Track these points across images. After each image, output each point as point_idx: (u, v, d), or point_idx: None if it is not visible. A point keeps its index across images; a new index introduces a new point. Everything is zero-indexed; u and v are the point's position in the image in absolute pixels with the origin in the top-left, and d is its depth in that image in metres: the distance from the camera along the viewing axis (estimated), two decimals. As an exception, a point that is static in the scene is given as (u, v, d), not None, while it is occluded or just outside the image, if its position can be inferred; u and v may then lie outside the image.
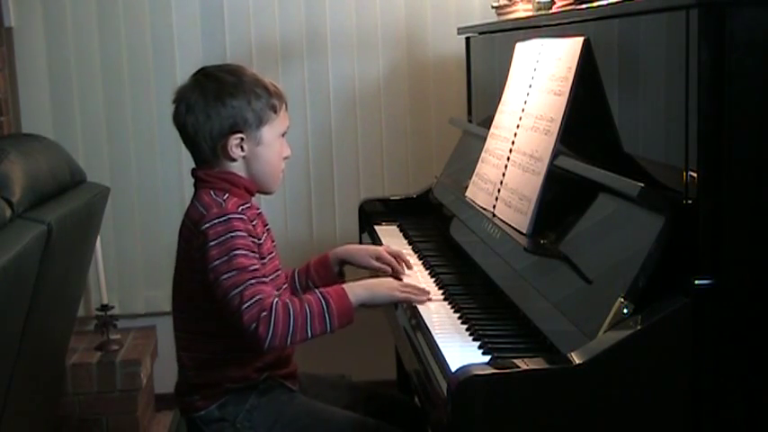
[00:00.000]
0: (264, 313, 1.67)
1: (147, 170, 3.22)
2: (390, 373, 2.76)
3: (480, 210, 2.05)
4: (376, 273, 2.06)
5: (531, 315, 1.63)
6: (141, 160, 3.21)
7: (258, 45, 3.20)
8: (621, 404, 1.35)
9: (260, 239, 1.81)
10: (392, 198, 2.80)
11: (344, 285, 1.82)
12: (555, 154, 1.76)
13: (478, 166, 2.16)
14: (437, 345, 1.62)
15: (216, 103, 1.78)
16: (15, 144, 2.23)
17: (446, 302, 1.88)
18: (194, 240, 1.77)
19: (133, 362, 3.02)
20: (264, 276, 1.76)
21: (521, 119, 1.96)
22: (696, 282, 1.34)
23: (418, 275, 2.08)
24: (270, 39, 3.20)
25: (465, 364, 1.36)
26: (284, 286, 1.93)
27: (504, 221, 1.89)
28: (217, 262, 1.72)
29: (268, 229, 1.90)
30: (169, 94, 1.87)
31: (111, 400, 3.01)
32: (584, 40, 1.76)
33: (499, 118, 2.11)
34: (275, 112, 1.83)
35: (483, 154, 2.15)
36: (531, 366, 1.34)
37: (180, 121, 1.82)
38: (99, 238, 2.81)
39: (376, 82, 3.25)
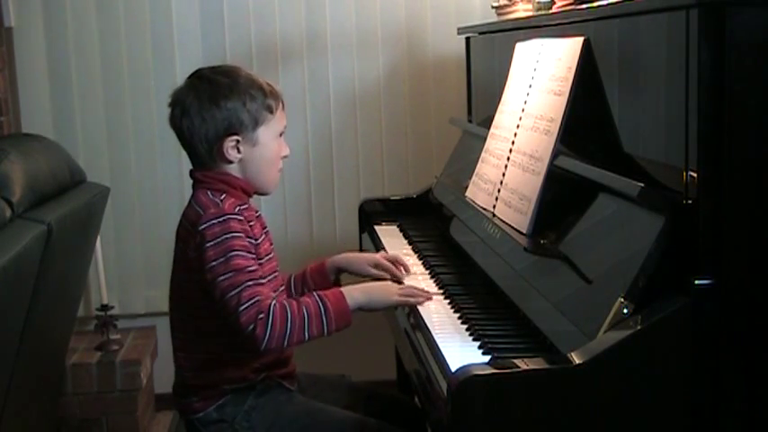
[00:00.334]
0: (262, 315, 1.67)
1: (147, 170, 3.22)
2: (390, 373, 2.76)
3: (480, 210, 2.05)
4: (375, 280, 2.05)
5: (531, 315, 1.63)
6: (141, 160, 3.21)
7: (258, 45, 3.20)
8: (621, 404, 1.35)
9: (257, 240, 1.81)
10: (392, 198, 2.80)
11: (343, 288, 1.82)
12: (555, 154, 1.76)
13: (478, 166, 2.16)
14: (437, 345, 1.62)
15: (210, 106, 1.78)
16: (15, 144, 2.23)
17: (446, 302, 1.88)
18: (191, 241, 1.77)
19: (133, 362, 3.02)
20: (262, 277, 1.76)
21: (521, 119, 1.96)
22: (696, 282, 1.34)
23: (418, 276, 2.08)
24: (270, 39, 3.20)
25: (465, 364, 1.37)
26: (281, 288, 1.93)
27: (504, 221, 1.89)
28: (214, 263, 1.72)
29: (266, 231, 1.89)
30: (169, 94, 1.87)
31: (111, 400, 3.01)
32: (584, 40, 1.76)
33: (499, 118, 2.11)
34: (271, 112, 1.83)
35: (483, 154, 2.15)
36: (531, 366, 1.34)
37: (176, 125, 1.83)
38: (99, 238, 2.81)
39: (376, 82, 3.25)
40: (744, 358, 1.37)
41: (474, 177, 2.17)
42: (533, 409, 1.33)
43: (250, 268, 1.73)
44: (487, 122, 2.23)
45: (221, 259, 1.72)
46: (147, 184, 3.22)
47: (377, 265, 2.04)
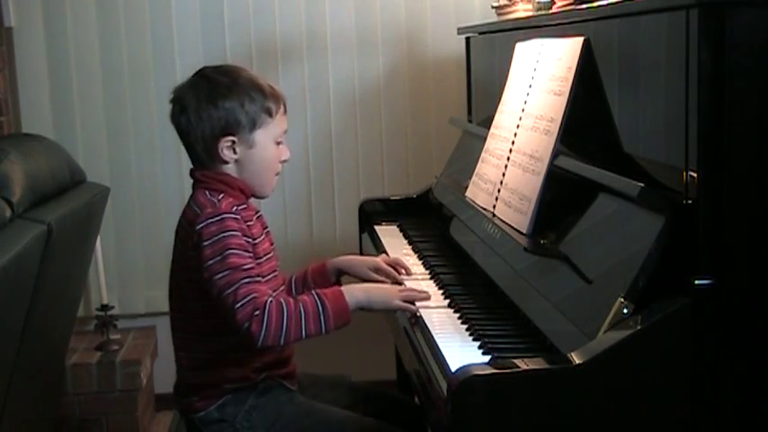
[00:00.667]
0: (258, 312, 1.67)
1: (147, 170, 3.22)
2: (390, 373, 2.76)
3: (480, 210, 2.05)
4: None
5: (531, 315, 1.63)
6: (141, 160, 3.21)
7: (258, 45, 3.20)
8: (621, 404, 1.35)
9: (255, 240, 1.81)
10: (392, 198, 2.80)
11: (343, 287, 1.82)
12: (555, 154, 1.76)
13: (478, 166, 2.16)
14: (437, 345, 1.62)
15: (208, 105, 1.78)
16: (15, 144, 2.23)
17: (446, 302, 1.88)
18: (189, 240, 1.77)
19: (133, 362, 3.02)
20: (260, 276, 1.76)
21: (521, 119, 1.96)
22: (696, 282, 1.34)
23: (418, 276, 2.08)
24: (270, 39, 3.20)
25: (465, 364, 1.37)
26: (281, 288, 1.93)
27: (504, 221, 1.89)
28: (211, 261, 1.72)
29: (267, 232, 1.89)
30: (169, 94, 1.87)
31: (111, 400, 3.01)
32: (584, 40, 1.76)
33: (499, 118, 2.11)
34: (270, 115, 1.81)
35: (483, 154, 2.15)
36: (531, 366, 1.34)
37: (175, 121, 1.83)
38: (99, 238, 2.81)
39: (376, 82, 3.25)
40: (744, 358, 1.37)
41: (474, 177, 2.17)
42: (533, 409, 1.33)
43: (246, 266, 1.72)
44: (487, 122, 2.23)
45: (218, 257, 1.71)
46: (147, 184, 3.22)
47: (377, 270, 2.03)
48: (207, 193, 1.80)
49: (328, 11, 3.20)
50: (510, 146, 1.98)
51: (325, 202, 3.29)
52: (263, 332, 1.67)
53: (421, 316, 1.79)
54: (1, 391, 1.92)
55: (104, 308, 3.09)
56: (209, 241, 1.72)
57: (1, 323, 1.85)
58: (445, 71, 3.24)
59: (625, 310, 1.36)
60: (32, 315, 2.02)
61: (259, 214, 1.89)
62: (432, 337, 1.67)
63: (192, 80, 1.83)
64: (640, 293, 1.36)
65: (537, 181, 1.78)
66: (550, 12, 2.14)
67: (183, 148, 1.88)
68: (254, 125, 1.80)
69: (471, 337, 1.66)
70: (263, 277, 1.79)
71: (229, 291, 1.69)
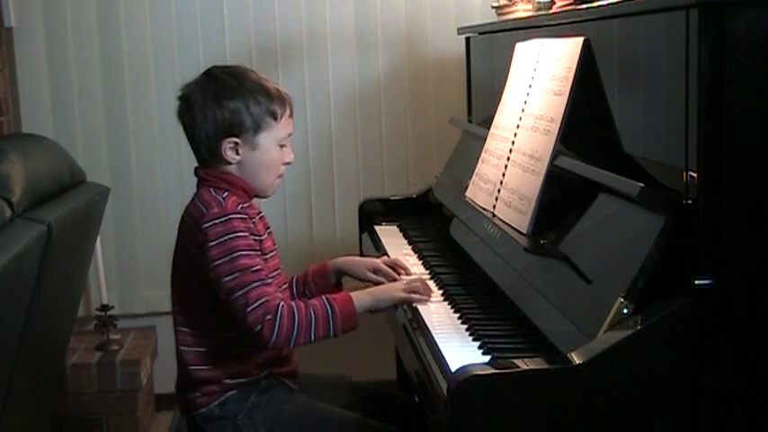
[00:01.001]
0: (269, 316, 1.70)
1: (147, 170, 3.22)
2: (390, 373, 2.76)
3: (480, 210, 2.05)
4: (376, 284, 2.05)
5: (531, 315, 1.63)
6: (141, 160, 3.21)
7: (258, 45, 3.20)
8: (621, 404, 1.35)
9: (261, 236, 1.82)
10: (392, 198, 2.80)
11: (352, 293, 1.84)
12: (555, 154, 1.76)
13: (478, 166, 2.16)
14: (437, 345, 1.62)
15: (213, 105, 1.78)
16: (15, 144, 2.22)
17: (446, 302, 1.88)
18: (194, 238, 1.78)
19: (133, 362, 3.02)
20: (268, 277, 1.77)
21: (521, 119, 1.96)
22: (696, 282, 1.34)
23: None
24: (270, 39, 3.20)
25: (465, 364, 1.37)
26: (284, 286, 1.94)
27: (504, 221, 1.89)
28: (218, 261, 1.73)
29: (270, 231, 1.91)
30: (169, 94, 1.88)
31: (111, 400, 3.01)
32: (584, 40, 1.76)
33: (499, 118, 2.11)
34: (275, 118, 1.82)
35: (483, 154, 2.15)
36: (531, 366, 1.34)
37: (181, 119, 1.84)
38: (99, 238, 2.81)
39: (376, 82, 3.25)
40: (744, 358, 1.37)
41: (474, 177, 2.17)
42: (533, 409, 1.33)
43: (256, 267, 1.74)
44: (487, 122, 2.23)
45: (226, 258, 1.73)
46: (147, 184, 3.22)
47: (377, 271, 2.04)
48: (212, 190, 1.81)
49: (328, 11, 3.20)
50: (510, 146, 1.98)
51: (325, 202, 3.29)
52: (274, 335, 1.71)
53: (421, 316, 1.79)
54: (1, 391, 1.92)
55: (104, 308, 3.09)
56: (216, 242, 1.73)
57: (1, 323, 1.85)
58: (445, 71, 3.24)
59: (625, 310, 1.36)
60: (32, 315, 2.02)
61: (261, 214, 1.90)
62: (432, 337, 1.67)
63: (200, 79, 1.84)
64: (640, 293, 1.36)
65: (537, 181, 1.78)
66: (550, 12, 2.14)
67: (183, 148, 1.89)
68: (258, 128, 1.80)
69: (471, 337, 1.66)
70: (270, 274, 1.81)
71: (240, 293, 1.71)
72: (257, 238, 1.80)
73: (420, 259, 2.22)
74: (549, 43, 1.92)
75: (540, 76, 1.91)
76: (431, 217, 2.60)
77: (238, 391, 1.83)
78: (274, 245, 1.91)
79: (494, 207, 1.98)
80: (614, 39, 1.69)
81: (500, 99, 2.13)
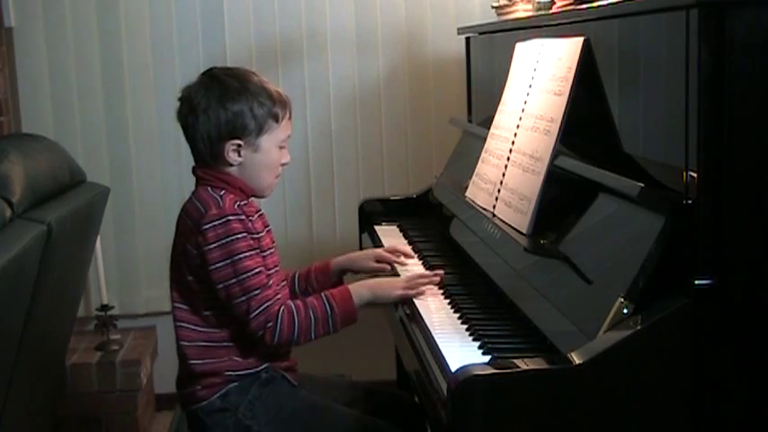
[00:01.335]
0: (270, 323, 1.76)
1: (147, 170, 3.22)
2: (390, 373, 2.76)
3: (480, 210, 2.05)
4: (377, 274, 2.09)
5: (531, 315, 1.63)
6: (141, 160, 3.21)
7: (258, 45, 3.20)
8: (621, 404, 1.35)
9: (258, 234, 1.83)
10: (392, 198, 2.80)
11: (350, 286, 1.88)
12: (555, 154, 1.76)
13: (478, 166, 2.16)
14: (437, 345, 1.62)
15: (217, 107, 1.79)
16: (15, 144, 2.22)
17: (446, 302, 1.88)
18: (192, 238, 1.79)
19: (133, 362, 3.02)
20: (268, 276, 1.80)
21: (521, 119, 1.96)
22: (696, 282, 1.34)
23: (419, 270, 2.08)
24: (270, 39, 3.20)
25: (465, 364, 1.37)
26: (283, 283, 1.94)
27: (504, 221, 1.89)
28: (219, 264, 1.75)
29: (268, 229, 1.92)
30: (169, 94, 1.88)
31: (111, 400, 3.01)
32: (584, 40, 1.76)
33: (499, 118, 2.11)
34: (277, 121, 1.83)
35: (483, 154, 2.15)
36: (531, 366, 1.34)
37: (182, 120, 1.84)
38: (99, 238, 2.81)
39: (376, 82, 3.25)
40: (744, 358, 1.37)
41: (474, 177, 2.17)
42: (533, 409, 1.33)
43: (257, 269, 1.77)
44: (487, 122, 2.23)
45: (227, 261, 1.75)
46: (147, 184, 3.22)
47: (378, 259, 2.09)
48: (209, 189, 1.82)
49: (328, 11, 3.20)
50: (510, 146, 1.98)
51: (325, 202, 3.29)
52: (275, 340, 1.77)
53: (421, 316, 1.79)
54: (1, 391, 1.92)
55: (104, 308, 3.09)
56: (216, 244, 1.75)
57: (1, 323, 1.85)
58: (445, 71, 3.24)
59: (625, 310, 1.36)
60: (32, 315, 2.02)
61: (260, 212, 1.91)
62: (432, 337, 1.67)
63: (202, 80, 1.84)
64: (640, 293, 1.36)
65: (537, 181, 1.78)
66: (550, 12, 2.14)
67: (183, 148, 1.89)
68: (260, 130, 1.82)
69: (471, 337, 1.66)
70: (269, 271, 1.82)
71: (242, 299, 1.76)
72: (255, 236, 1.81)
73: (420, 259, 2.22)
74: (549, 43, 1.92)
75: (540, 76, 1.91)
76: (431, 217, 2.60)
77: (239, 384, 1.83)
78: (273, 242, 1.92)
79: (494, 207, 1.98)
80: (614, 39, 1.69)
81: (500, 99, 2.13)
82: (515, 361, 1.36)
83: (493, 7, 2.77)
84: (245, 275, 1.75)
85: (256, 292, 1.75)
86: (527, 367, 1.34)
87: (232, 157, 1.81)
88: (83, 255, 2.49)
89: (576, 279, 1.53)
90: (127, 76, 3.17)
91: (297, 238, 3.28)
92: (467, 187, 2.20)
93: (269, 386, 1.85)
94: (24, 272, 1.91)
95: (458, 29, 2.90)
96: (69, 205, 2.21)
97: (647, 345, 1.33)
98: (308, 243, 3.28)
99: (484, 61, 2.65)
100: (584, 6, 1.85)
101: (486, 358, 1.54)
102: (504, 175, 1.97)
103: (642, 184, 1.46)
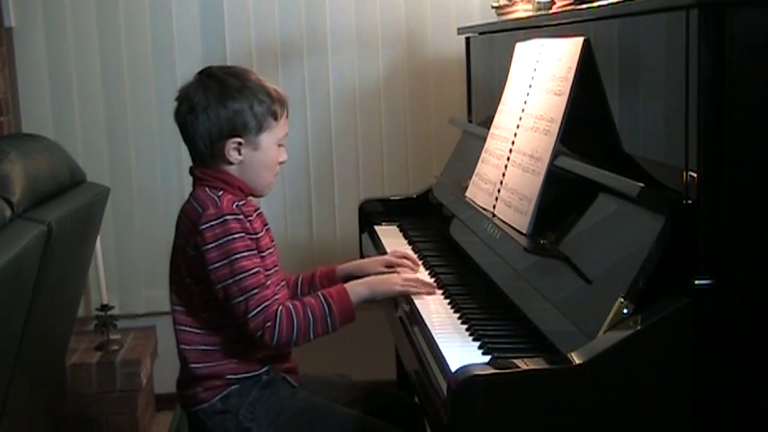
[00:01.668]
0: (269, 323, 1.74)
1: (147, 170, 3.22)
2: (390, 373, 2.76)
3: (480, 210, 2.05)
4: None
5: (531, 315, 1.63)
6: (141, 160, 3.21)
7: (258, 45, 3.20)
8: (621, 404, 1.35)
9: (257, 234, 1.83)
10: (392, 198, 2.80)
11: (347, 285, 1.87)
12: (555, 154, 1.76)
13: (478, 166, 2.16)
14: (437, 345, 1.62)
15: (217, 106, 1.79)
16: (15, 144, 2.23)
17: (446, 302, 1.88)
18: (191, 239, 1.79)
19: (133, 362, 3.02)
20: (266, 276, 1.79)
21: (521, 119, 1.96)
22: (696, 282, 1.34)
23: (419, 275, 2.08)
24: (270, 39, 3.20)
25: (465, 364, 1.37)
26: (282, 283, 1.94)
27: (504, 221, 1.89)
28: (217, 264, 1.74)
29: (267, 228, 1.91)
30: (169, 93, 1.87)
31: (111, 400, 3.01)
32: (584, 40, 1.76)
33: (499, 118, 2.11)
34: (276, 118, 1.84)
35: (483, 154, 2.15)
36: (531, 366, 1.34)
37: (180, 119, 1.84)
38: (99, 238, 2.81)
39: (376, 82, 3.25)
40: (744, 358, 1.37)
41: (474, 177, 2.17)
42: (533, 409, 1.33)
43: (254, 270, 1.76)
44: (487, 122, 2.23)
45: (224, 261, 1.74)
46: (147, 184, 3.22)
47: (389, 266, 2.07)
48: (207, 189, 1.82)
49: (328, 11, 3.20)
50: (510, 146, 1.98)
51: (325, 202, 3.29)
52: (274, 340, 1.76)
53: (421, 316, 1.79)
54: (1, 391, 1.92)
55: (104, 308, 3.09)
56: (214, 244, 1.75)
57: (1, 323, 1.85)
58: (445, 71, 3.24)
59: (625, 310, 1.36)
60: (32, 315, 2.02)
61: (259, 211, 1.91)
62: (432, 337, 1.67)
63: (199, 79, 1.84)
64: (640, 293, 1.36)
65: (537, 181, 1.78)
66: (550, 12, 2.14)
67: (183, 148, 1.88)
68: (260, 128, 1.82)
69: (471, 337, 1.66)
70: (268, 271, 1.82)
71: (240, 299, 1.75)
72: (253, 236, 1.81)
73: (420, 259, 2.22)
74: (549, 43, 1.92)
75: (540, 76, 1.91)
76: (431, 217, 2.60)
77: (240, 386, 1.83)
78: (272, 241, 1.92)
79: (494, 207, 1.98)
80: (614, 39, 1.69)
81: (500, 99, 2.13)
82: (515, 361, 1.36)
83: (493, 7, 2.77)
84: (242, 275, 1.74)
85: (254, 291, 1.75)
86: (527, 367, 1.34)
87: (233, 155, 1.81)
88: (83, 255, 2.49)
89: (576, 279, 1.53)
90: (127, 76, 3.17)
91: (297, 237, 3.28)
92: (467, 187, 2.20)
93: (270, 388, 1.85)
94: (24, 272, 1.91)
95: (458, 29, 2.90)
96: (69, 205, 2.21)
97: (647, 345, 1.33)
98: (308, 243, 3.28)
99: (484, 61, 2.65)
100: (584, 6, 1.85)
101: (486, 358, 1.54)
102: (504, 175, 1.97)
103: (642, 184, 1.46)
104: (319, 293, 1.83)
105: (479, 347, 1.60)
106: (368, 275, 2.04)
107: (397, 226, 2.62)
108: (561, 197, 1.76)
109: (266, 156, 1.84)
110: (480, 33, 2.70)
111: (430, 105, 3.26)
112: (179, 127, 1.85)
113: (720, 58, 1.33)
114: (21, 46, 3.12)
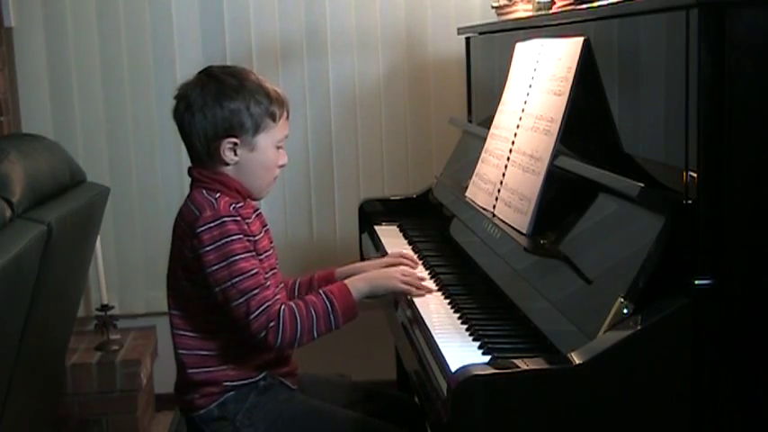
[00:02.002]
0: (272, 323, 1.72)
1: (147, 170, 3.22)
2: (390, 373, 2.76)
3: (480, 210, 2.05)
4: None
5: (531, 315, 1.63)
6: (141, 160, 3.21)
7: (258, 45, 3.20)
8: (621, 404, 1.35)
9: (255, 237, 1.82)
10: (392, 198, 2.80)
11: (347, 281, 1.86)
12: (555, 154, 1.76)
13: (478, 166, 2.16)
14: (437, 345, 1.62)
15: (214, 105, 1.78)
16: (15, 144, 2.23)
17: (446, 302, 1.88)
18: (188, 241, 1.77)
19: (133, 362, 3.02)
20: (266, 278, 1.78)
21: (521, 119, 1.96)
22: (696, 282, 1.34)
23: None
24: (270, 39, 3.20)
25: (465, 364, 1.36)
26: (280, 285, 1.93)
27: (504, 221, 1.89)
28: (215, 267, 1.73)
29: (266, 229, 1.90)
30: (169, 93, 1.87)
31: (111, 400, 3.01)
32: (584, 40, 1.76)
33: (499, 118, 2.11)
34: (274, 120, 1.82)
35: (483, 154, 2.15)
36: (531, 366, 1.34)
37: (178, 118, 1.83)
38: (99, 238, 2.81)
39: (376, 82, 3.25)
40: (744, 358, 1.37)
41: (474, 177, 2.17)
42: (533, 409, 1.33)
43: (253, 271, 1.74)
44: (487, 122, 2.23)
45: (222, 263, 1.73)
46: (147, 184, 3.22)
47: (387, 266, 2.03)
48: (204, 191, 1.81)
49: (328, 11, 3.20)
50: (510, 146, 1.98)
51: (325, 202, 3.29)
52: (278, 340, 1.73)
53: (421, 316, 1.79)
54: (1, 391, 1.92)
55: (104, 308, 3.09)
56: (211, 247, 1.73)
57: (1, 323, 1.85)
58: (445, 71, 3.24)
59: (625, 310, 1.36)
60: (32, 315, 2.02)
61: (258, 212, 1.90)
62: (432, 337, 1.67)
63: (198, 78, 1.83)
64: (640, 293, 1.36)
65: (537, 181, 1.78)
66: (550, 12, 2.14)
67: (183, 148, 1.88)
68: (257, 129, 1.80)
69: (471, 337, 1.66)
70: (266, 274, 1.81)
71: (240, 300, 1.72)
72: (251, 238, 1.80)
73: (420, 259, 2.22)
74: (549, 43, 1.92)
75: (540, 76, 1.91)
76: (431, 217, 2.60)
77: (237, 392, 1.83)
78: (271, 242, 1.91)
79: (494, 207, 1.98)
80: (614, 39, 1.69)
81: (500, 99, 2.13)
82: (515, 361, 1.36)
83: (493, 7, 2.77)
84: (241, 277, 1.72)
85: (254, 292, 1.73)
86: (527, 367, 1.34)
87: (228, 155, 1.80)
88: (83, 255, 2.49)
89: (576, 279, 1.53)
90: (127, 76, 3.17)
91: (297, 238, 3.28)
92: (467, 187, 2.20)
93: (267, 393, 1.84)
94: (24, 272, 1.91)
95: (458, 29, 2.90)
96: (69, 205, 2.21)
97: (647, 345, 1.33)
98: (308, 243, 3.28)
99: (484, 61, 2.65)
100: (584, 6, 1.85)
101: (486, 358, 1.54)
102: (504, 175, 1.97)
103: (642, 184, 1.46)
104: (320, 291, 1.81)
105: (479, 347, 1.60)
106: None
107: (397, 226, 2.62)
108: (561, 197, 1.76)
109: (263, 157, 1.83)
110: (480, 33, 2.70)
111: (430, 105, 3.26)
112: (177, 125, 1.84)
113: (720, 58, 1.33)
114: (21, 46, 3.12)
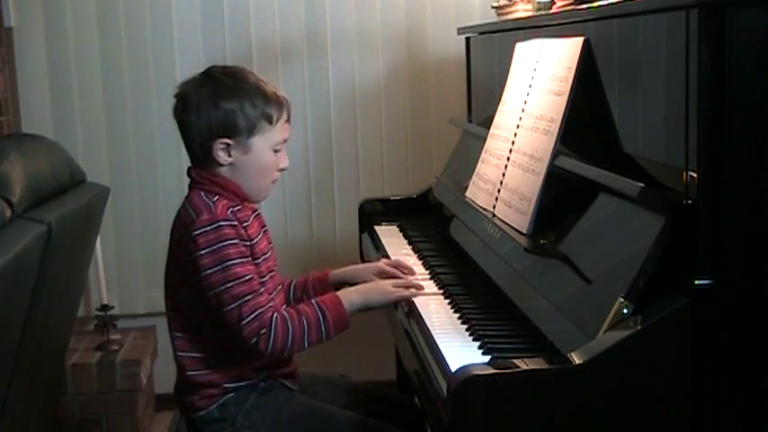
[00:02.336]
0: (264, 330, 1.72)
1: (147, 170, 3.22)
2: (390, 373, 2.76)
3: (480, 210, 2.05)
4: None
5: (531, 315, 1.63)
6: (141, 160, 3.21)
7: (258, 45, 3.20)
8: (621, 404, 1.35)
9: (252, 240, 1.81)
10: (392, 198, 2.80)
11: (340, 293, 1.85)
12: (555, 154, 1.76)
13: (478, 166, 2.16)
14: (437, 345, 1.62)
15: (208, 105, 1.77)
16: (15, 144, 2.23)
17: (446, 302, 1.88)
18: (184, 244, 1.77)
19: (133, 362, 3.02)
20: (261, 282, 1.77)
21: (521, 119, 1.96)
22: (696, 282, 1.34)
23: (418, 276, 2.08)
24: (270, 39, 3.20)
25: (465, 364, 1.37)
26: (278, 288, 1.93)
27: (504, 221, 1.89)
28: (210, 270, 1.73)
29: (265, 231, 1.90)
30: (169, 94, 1.87)
31: (111, 400, 3.01)
32: (584, 40, 1.76)
33: (499, 118, 2.11)
34: (270, 122, 1.80)
35: (483, 154, 2.15)
36: (531, 366, 1.34)
37: (177, 116, 1.83)
38: (99, 238, 2.81)
39: (376, 82, 3.25)
40: (744, 358, 1.37)
41: (474, 177, 2.17)
42: (533, 409, 1.33)
43: (248, 277, 1.74)
44: (487, 122, 2.23)
45: (217, 268, 1.72)
46: (147, 184, 3.22)
47: (381, 273, 2.02)
48: (202, 194, 1.80)
49: (328, 11, 3.20)
50: (510, 146, 1.98)
51: (325, 202, 3.28)
52: (269, 347, 1.72)
53: (421, 316, 1.79)
54: (1, 391, 1.92)
55: (104, 308, 3.09)
56: (207, 250, 1.73)
57: (1, 323, 1.85)
58: (445, 71, 3.24)
59: (625, 310, 1.36)
60: (32, 315, 2.02)
61: (257, 213, 1.89)
62: (432, 337, 1.67)
63: (198, 77, 1.83)
64: (640, 293, 1.36)
65: (537, 181, 1.78)
66: (550, 12, 2.14)
67: (183, 149, 1.88)
68: (252, 130, 1.78)
69: (471, 337, 1.66)
70: (262, 278, 1.80)
71: (233, 306, 1.72)
72: (248, 243, 1.79)
73: (420, 259, 2.22)
74: (549, 43, 1.92)
75: (540, 76, 1.91)
76: (431, 217, 2.60)
77: (237, 394, 1.82)
78: (270, 244, 1.90)
79: (494, 207, 1.98)
80: (614, 39, 1.69)
81: (500, 99, 2.13)
82: (515, 361, 1.36)
83: (493, 7, 2.77)
84: (235, 282, 1.71)
85: (247, 298, 1.72)
86: (527, 367, 1.34)
87: (222, 156, 1.78)
88: (83, 255, 2.49)
89: (575, 279, 1.53)
90: (127, 76, 3.17)
91: (297, 238, 3.28)
92: (467, 187, 2.20)
93: (267, 395, 1.84)
94: (24, 272, 1.91)
95: (458, 29, 2.90)
96: (69, 205, 2.21)
97: (647, 345, 1.33)
98: (308, 243, 3.28)
99: (484, 61, 2.65)
100: (584, 6, 1.85)
101: (486, 358, 1.54)
102: (504, 175, 1.97)
103: (642, 184, 1.46)
104: (313, 301, 1.81)
105: (479, 347, 1.60)
106: (359, 283, 2.00)
107: (397, 226, 2.62)
108: (561, 197, 1.76)
109: (258, 159, 1.81)
110: (480, 33, 2.70)
111: (430, 105, 3.26)
112: (177, 124, 1.84)
113: (720, 58, 1.33)
114: (21, 46, 3.13)
